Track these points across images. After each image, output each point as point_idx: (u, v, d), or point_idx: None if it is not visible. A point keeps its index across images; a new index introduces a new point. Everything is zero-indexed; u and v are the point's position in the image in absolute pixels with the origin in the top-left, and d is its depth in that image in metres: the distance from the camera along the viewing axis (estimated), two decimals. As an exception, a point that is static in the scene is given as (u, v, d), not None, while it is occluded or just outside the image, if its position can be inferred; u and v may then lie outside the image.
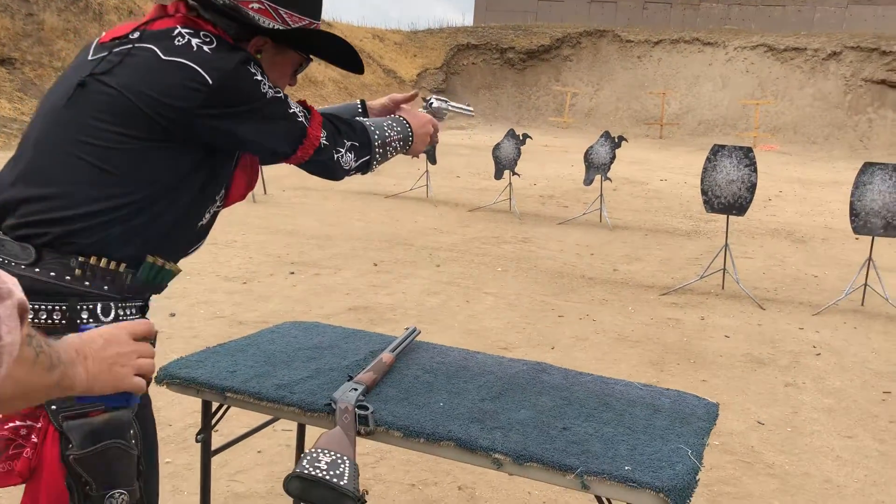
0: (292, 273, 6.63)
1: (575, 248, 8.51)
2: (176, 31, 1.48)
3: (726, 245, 6.84)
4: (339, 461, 1.62)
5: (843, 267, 8.06)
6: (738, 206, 6.57)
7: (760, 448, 3.75)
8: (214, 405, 2.05)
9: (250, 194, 10.09)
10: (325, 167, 1.66)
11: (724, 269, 6.84)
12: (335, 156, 1.64)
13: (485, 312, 5.79)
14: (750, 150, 6.60)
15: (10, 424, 1.40)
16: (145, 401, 1.64)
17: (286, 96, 1.57)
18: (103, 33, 1.58)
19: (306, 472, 1.59)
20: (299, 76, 1.80)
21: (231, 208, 1.80)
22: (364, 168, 1.73)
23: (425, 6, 68.91)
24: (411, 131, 1.84)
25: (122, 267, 1.47)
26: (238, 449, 3.13)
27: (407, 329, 2.36)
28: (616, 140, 9.98)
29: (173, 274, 1.57)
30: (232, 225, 8.44)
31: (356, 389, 1.86)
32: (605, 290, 6.71)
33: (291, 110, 1.56)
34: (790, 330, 5.77)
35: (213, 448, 2.15)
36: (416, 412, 1.84)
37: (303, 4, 1.59)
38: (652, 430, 1.84)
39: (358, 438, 1.78)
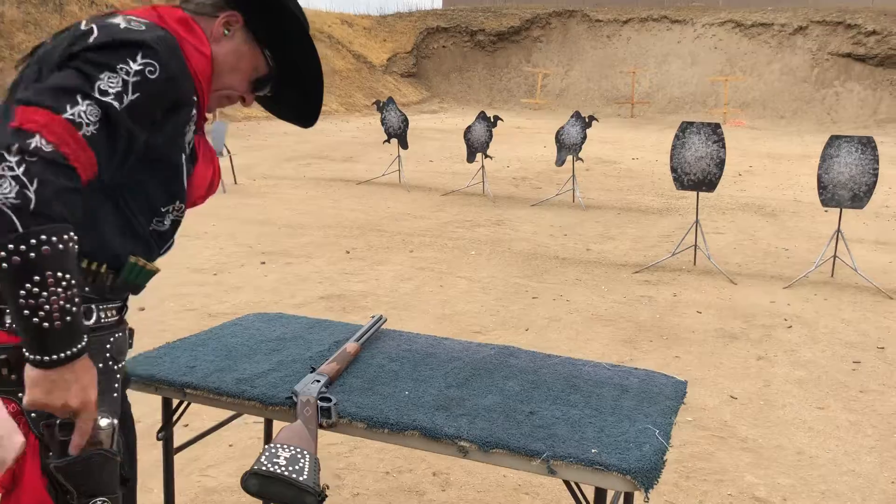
0: (263, 263, 6.56)
1: (549, 229, 8.50)
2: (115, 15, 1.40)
3: (697, 221, 6.86)
4: (299, 456, 1.58)
5: (813, 239, 8.13)
6: (707, 182, 6.59)
7: (733, 422, 3.77)
8: (175, 401, 2.01)
9: (220, 185, 10.00)
10: None
11: (696, 246, 6.87)
12: None
13: (459, 297, 5.77)
14: (718, 126, 6.61)
15: None
16: (125, 406, 1.59)
17: (106, 109, 1.24)
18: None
19: (264, 468, 1.55)
20: (258, 100, 1.68)
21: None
22: None
23: (394, -11, 68.07)
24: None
25: (104, 268, 1.41)
26: (208, 443, 3.09)
27: (373, 317, 2.33)
28: (587, 120, 9.97)
29: (152, 274, 1.51)
30: (202, 216, 8.32)
31: (318, 381, 1.83)
32: (579, 270, 6.72)
33: (75, 97, 1.21)
34: (761, 304, 5.81)
35: (178, 444, 2.10)
36: (380, 402, 1.81)
37: None
38: (619, 411, 1.82)
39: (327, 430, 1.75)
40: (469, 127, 10.38)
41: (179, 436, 2.15)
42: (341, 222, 8.40)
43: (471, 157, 10.43)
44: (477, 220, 8.84)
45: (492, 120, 10.21)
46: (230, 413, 2.27)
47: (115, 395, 1.46)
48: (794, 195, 11.18)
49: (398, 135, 11.00)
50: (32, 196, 1.07)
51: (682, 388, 2.00)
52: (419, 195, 10.37)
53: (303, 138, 16.69)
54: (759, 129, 22.95)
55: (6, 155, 1.08)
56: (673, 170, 6.75)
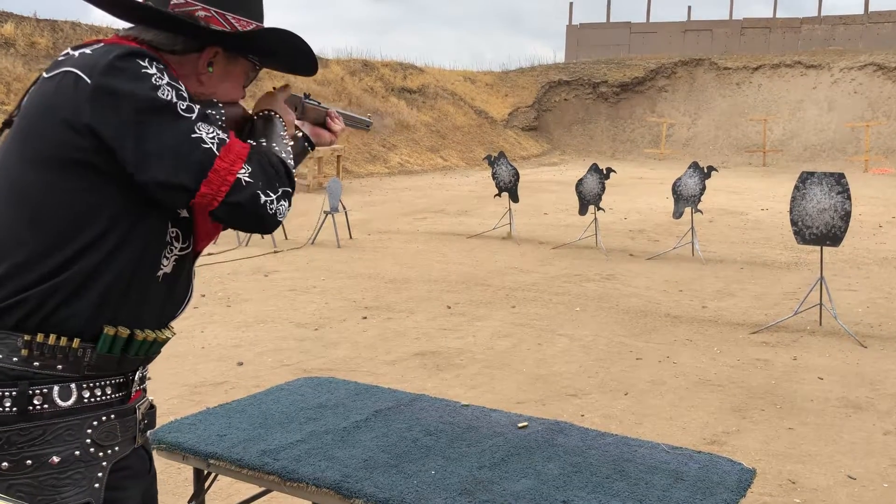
0: (364, 318, 6.58)
1: (662, 284, 8.13)
2: (65, 51, 1.37)
3: (821, 278, 6.35)
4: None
5: (962, 298, 7.37)
6: (831, 236, 6.11)
7: (849, 507, 3.37)
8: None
9: (334, 240, 10.22)
10: (248, 212, 1.32)
11: (821, 304, 6.35)
12: (262, 199, 1.32)
13: (556, 356, 5.55)
14: (842, 175, 6.14)
15: None
16: (123, 495, 1.40)
17: (202, 115, 1.33)
18: None
19: None
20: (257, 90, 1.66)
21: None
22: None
23: (518, 46, 69.30)
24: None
25: (76, 342, 1.29)
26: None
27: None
28: (705, 170, 9.58)
29: (147, 343, 1.38)
30: (313, 271, 8.52)
31: None
32: (691, 330, 6.34)
33: (196, 134, 1.29)
34: (894, 370, 5.25)
35: (211, 515, 2.04)
36: (401, 482, 1.69)
37: (249, 7, 1.47)
38: (665, 503, 1.61)
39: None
40: (581, 179, 10.20)
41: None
42: (447, 276, 8.36)
43: (583, 210, 10.22)
44: (586, 274, 8.59)
45: (604, 172, 9.99)
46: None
47: (97, 484, 1.32)
48: (942, 248, 10.25)
49: (509, 188, 10.96)
50: (288, 188, 1.42)
51: (748, 477, 1.76)
52: (529, 248, 10.22)
53: (423, 193, 16.95)
54: (905, 176, 21.40)
55: (266, 197, 1.36)
56: (793, 223, 6.31)
